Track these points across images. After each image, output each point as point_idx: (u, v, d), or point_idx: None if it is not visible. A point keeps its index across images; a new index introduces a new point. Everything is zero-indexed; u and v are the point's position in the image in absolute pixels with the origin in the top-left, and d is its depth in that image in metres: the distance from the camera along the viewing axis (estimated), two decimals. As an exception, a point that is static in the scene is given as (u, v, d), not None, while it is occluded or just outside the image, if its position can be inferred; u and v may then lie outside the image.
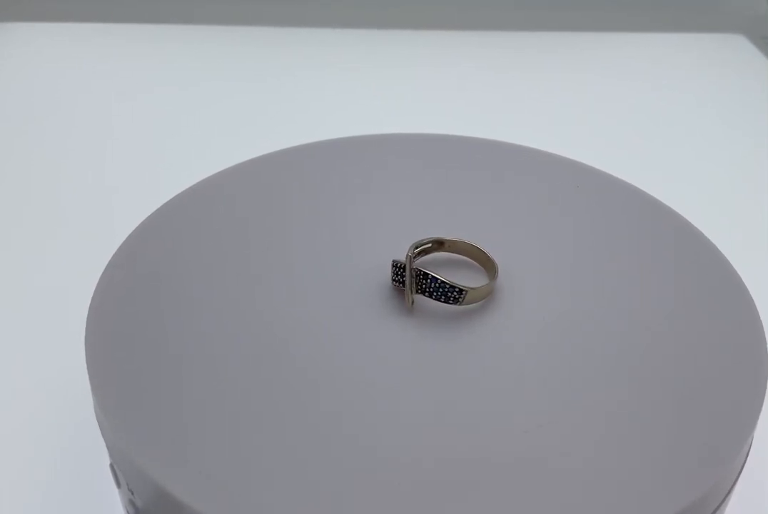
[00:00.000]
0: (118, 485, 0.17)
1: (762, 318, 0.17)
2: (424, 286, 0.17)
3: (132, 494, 0.16)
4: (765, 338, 0.17)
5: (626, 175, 0.22)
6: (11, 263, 0.29)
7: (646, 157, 0.37)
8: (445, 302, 0.17)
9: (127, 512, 0.17)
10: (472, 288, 0.17)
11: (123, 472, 0.16)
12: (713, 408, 0.15)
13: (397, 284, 0.17)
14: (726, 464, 0.14)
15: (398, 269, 0.17)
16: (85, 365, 0.16)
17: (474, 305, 0.17)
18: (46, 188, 0.34)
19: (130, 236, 0.19)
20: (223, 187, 0.21)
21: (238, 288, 0.18)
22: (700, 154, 0.38)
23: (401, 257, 0.18)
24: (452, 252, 0.19)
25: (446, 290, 0.17)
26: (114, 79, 0.42)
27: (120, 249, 0.19)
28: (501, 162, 0.22)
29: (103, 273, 0.18)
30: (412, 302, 0.17)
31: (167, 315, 0.17)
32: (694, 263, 0.19)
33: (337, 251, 0.19)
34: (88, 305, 0.17)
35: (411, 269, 0.17)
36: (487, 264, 0.18)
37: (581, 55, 0.47)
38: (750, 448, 0.16)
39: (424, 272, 0.17)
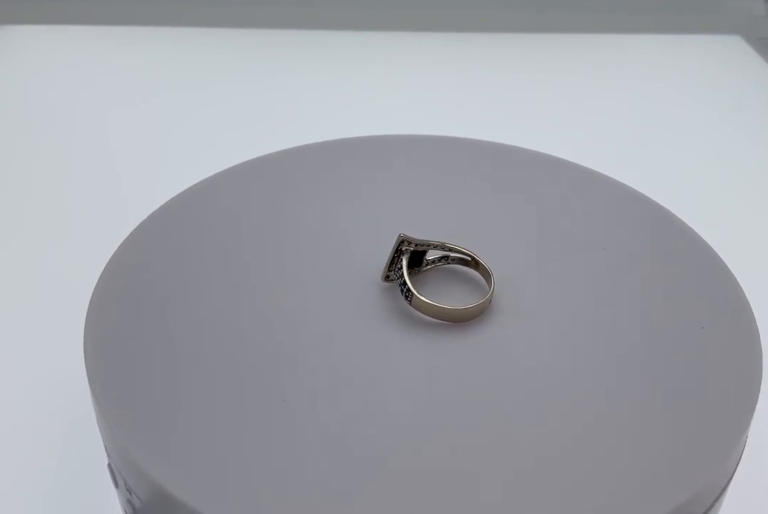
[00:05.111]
0: (116, 484, 0.17)
1: (757, 319, 0.18)
2: (395, 267, 0.18)
3: (130, 493, 0.16)
4: (759, 339, 0.17)
5: (623, 176, 0.22)
6: (11, 264, 0.29)
7: (643, 158, 0.37)
8: (401, 292, 0.17)
9: (125, 512, 0.17)
10: (419, 297, 0.17)
11: (120, 472, 0.16)
12: (709, 408, 0.15)
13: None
14: (720, 462, 0.14)
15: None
16: (83, 365, 0.16)
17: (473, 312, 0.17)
18: (45, 190, 0.34)
19: (129, 236, 0.19)
20: (222, 189, 0.21)
21: (238, 289, 0.18)
22: (698, 155, 0.38)
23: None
24: (479, 273, 0.18)
25: (402, 282, 0.17)
26: (113, 81, 0.42)
27: (119, 249, 0.19)
28: (501, 164, 0.22)
29: (103, 273, 0.18)
30: (386, 277, 0.18)
31: (166, 315, 0.17)
32: (693, 267, 0.19)
33: (336, 253, 0.19)
34: (87, 305, 0.17)
35: (397, 249, 0.17)
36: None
37: (578, 56, 0.47)
38: (744, 447, 0.16)
39: (398, 257, 0.17)
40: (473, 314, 0.17)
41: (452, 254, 0.18)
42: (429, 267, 0.18)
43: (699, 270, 0.19)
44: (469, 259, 0.18)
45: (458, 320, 0.17)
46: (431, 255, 0.18)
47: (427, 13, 0.50)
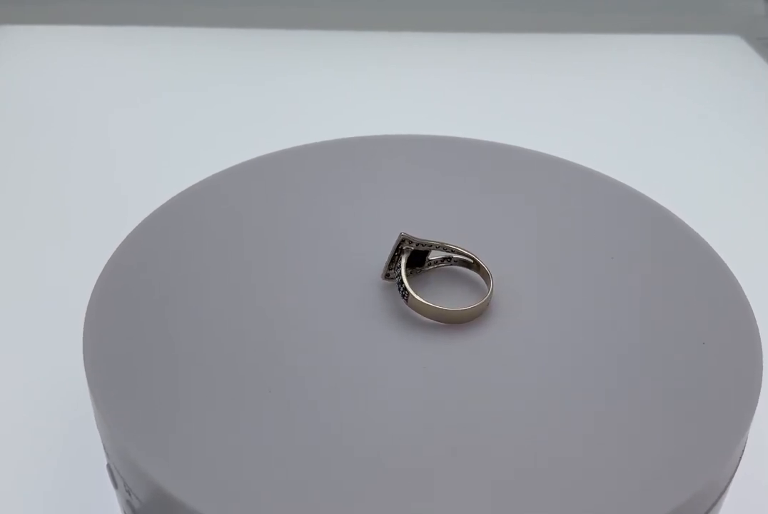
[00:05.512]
0: (115, 485, 0.17)
1: (758, 319, 0.17)
2: (395, 266, 0.18)
3: (129, 494, 0.16)
4: (759, 339, 0.17)
5: (623, 176, 0.22)
6: (11, 264, 0.29)
7: (643, 158, 0.37)
8: (398, 290, 0.17)
9: (124, 512, 0.17)
10: (416, 297, 0.17)
11: (120, 472, 0.16)
12: (709, 408, 0.15)
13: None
14: (720, 463, 0.14)
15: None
16: (83, 365, 0.16)
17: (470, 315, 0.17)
18: (45, 190, 0.34)
19: (129, 236, 0.19)
20: (222, 189, 0.21)
21: (237, 289, 0.18)
22: (698, 155, 0.38)
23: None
24: (480, 275, 0.18)
25: (399, 281, 0.17)
26: (113, 81, 0.42)
27: (119, 249, 0.19)
28: (501, 164, 0.22)
29: (102, 273, 0.18)
30: (387, 275, 0.18)
31: (165, 315, 0.17)
32: (693, 267, 0.19)
33: (336, 253, 0.19)
34: (87, 305, 0.17)
35: (398, 248, 0.17)
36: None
37: (578, 56, 0.47)
38: (745, 447, 0.16)
39: (398, 256, 0.17)
40: (470, 316, 0.17)
41: (455, 256, 0.18)
42: (431, 267, 0.18)
43: (699, 270, 0.19)
44: (471, 261, 0.18)
45: (455, 322, 0.17)
46: (434, 256, 0.18)
47: (427, 13, 0.50)
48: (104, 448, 0.16)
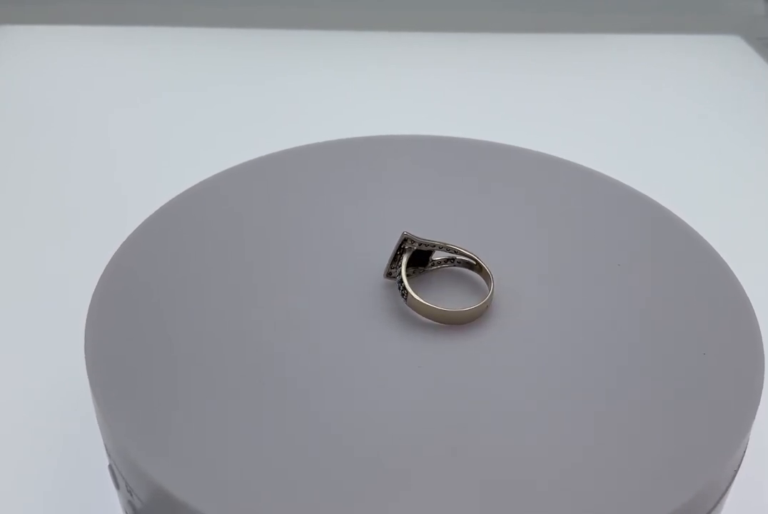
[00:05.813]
0: (117, 486, 0.17)
1: (759, 319, 0.17)
2: (396, 264, 0.17)
3: (131, 495, 0.16)
4: (761, 339, 0.17)
5: (623, 176, 0.22)
6: (11, 264, 0.29)
7: (643, 158, 0.37)
8: (398, 289, 0.17)
9: (126, 513, 0.17)
10: (415, 296, 0.17)
11: (121, 472, 0.16)
12: (710, 408, 0.15)
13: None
14: (721, 463, 0.14)
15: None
16: (83, 365, 0.16)
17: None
18: (45, 190, 0.34)
19: (130, 237, 0.19)
20: (223, 190, 0.21)
21: (237, 290, 0.18)
22: (698, 155, 0.38)
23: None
24: (482, 277, 0.18)
25: (399, 280, 0.17)
26: (113, 81, 0.42)
27: (120, 249, 0.19)
28: (501, 164, 0.22)
29: (103, 274, 0.18)
30: (389, 273, 0.18)
31: (166, 316, 0.17)
32: (693, 267, 0.19)
33: (338, 253, 0.19)
34: (87, 305, 0.17)
35: (400, 247, 0.17)
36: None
37: (578, 56, 0.47)
38: (746, 448, 0.16)
39: (400, 255, 0.17)
40: (470, 317, 0.17)
41: (458, 257, 0.18)
42: (434, 268, 0.18)
43: (700, 270, 0.19)
44: (474, 262, 0.18)
45: (453, 323, 0.17)
46: (437, 256, 0.18)
47: (427, 13, 0.50)
48: (106, 448, 0.16)
